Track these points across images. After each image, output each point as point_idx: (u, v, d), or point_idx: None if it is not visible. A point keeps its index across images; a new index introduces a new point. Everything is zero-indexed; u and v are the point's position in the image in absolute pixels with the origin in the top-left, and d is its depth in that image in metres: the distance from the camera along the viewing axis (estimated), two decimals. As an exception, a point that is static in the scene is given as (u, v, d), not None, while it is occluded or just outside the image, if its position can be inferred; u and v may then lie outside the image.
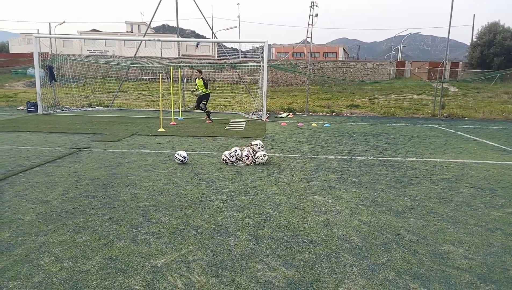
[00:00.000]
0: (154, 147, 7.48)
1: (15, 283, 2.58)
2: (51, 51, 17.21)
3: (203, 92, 11.61)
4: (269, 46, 13.12)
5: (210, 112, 12.09)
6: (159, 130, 9.56)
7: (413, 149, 8.11)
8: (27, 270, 2.74)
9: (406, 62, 35.71)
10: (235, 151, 6.34)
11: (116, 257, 2.97)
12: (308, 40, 17.49)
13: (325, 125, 11.90)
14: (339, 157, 7.01)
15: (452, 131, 11.49)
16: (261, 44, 14.07)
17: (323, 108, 17.25)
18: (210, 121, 11.82)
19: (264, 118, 12.94)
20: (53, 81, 14.79)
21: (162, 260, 2.93)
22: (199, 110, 12.23)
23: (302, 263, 2.96)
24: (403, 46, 55.46)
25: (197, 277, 2.71)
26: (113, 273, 2.73)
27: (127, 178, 5.19)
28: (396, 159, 7.01)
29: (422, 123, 13.50)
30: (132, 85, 21.88)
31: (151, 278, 2.67)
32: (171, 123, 10.94)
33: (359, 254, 3.14)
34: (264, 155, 6.23)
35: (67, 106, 15.29)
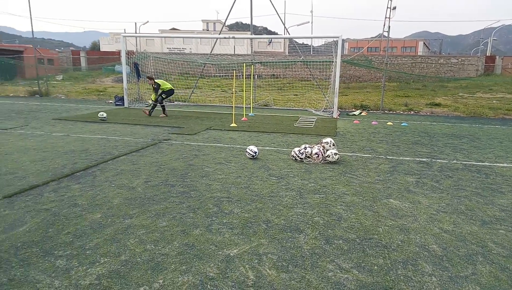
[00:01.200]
0: (227, 141, 7.74)
1: (106, 259, 2.87)
2: (136, 49, 18.70)
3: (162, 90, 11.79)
4: (343, 41, 12.76)
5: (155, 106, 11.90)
6: (232, 125, 9.88)
7: (504, 153, 7.30)
8: (116, 248, 3.04)
9: (497, 57, 32.17)
10: (305, 148, 6.30)
11: (192, 243, 3.15)
12: (385, 34, 16.63)
13: (402, 124, 11.24)
14: (418, 159, 6.58)
15: (554, 135, 10.09)
16: (335, 39, 13.74)
17: (400, 106, 16.30)
18: (164, 115, 11.72)
19: (335, 115, 12.64)
20: (139, 77, 16.06)
21: (235, 251, 3.04)
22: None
23: (375, 267, 2.85)
24: (494, 40, 49.92)
25: (268, 270, 2.76)
26: (189, 259, 2.90)
27: (203, 170, 5.46)
28: (483, 164, 6.38)
29: (515, 125, 12.06)
30: (207, 82, 22.87)
31: (224, 267, 2.79)
32: (242, 119, 11.23)
33: (439, 264, 2.93)
34: (335, 154, 6.10)
35: (149, 101, 16.50)
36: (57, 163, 5.59)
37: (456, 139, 8.88)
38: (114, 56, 36.60)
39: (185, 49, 53.05)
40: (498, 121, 13.20)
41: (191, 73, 20.76)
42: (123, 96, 14.90)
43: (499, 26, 50.81)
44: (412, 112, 15.33)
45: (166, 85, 11.79)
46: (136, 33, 20.07)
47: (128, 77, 15.14)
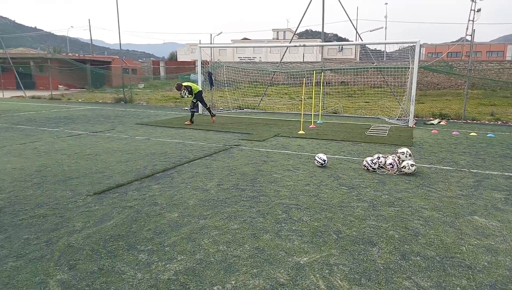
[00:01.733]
0: (295, 149, 7.75)
1: (182, 257, 3.04)
2: (211, 58, 19.65)
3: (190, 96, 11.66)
4: (420, 46, 12.03)
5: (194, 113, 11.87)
6: (299, 132, 9.86)
7: None
8: (191, 247, 3.20)
9: None
10: (378, 158, 6.04)
11: (262, 248, 3.20)
12: (468, 38, 15.35)
13: (488, 135, 10.23)
14: (507, 174, 5.94)
15: None
16: (411, 44, 13.02)
17: (485, 116, 14.86)
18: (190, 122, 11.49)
19: (411, 124, 11.94)
20: (212, 86, 16.84)
21: (305, 259, 3.02)
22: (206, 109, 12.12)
23: (458, 288, 2.62)
24: None
25: (339, 281, 2.70)
26: (260, 263, 2.95)
27: (271, 176, 5.53)
28: None
29: None
30: (275, 89, 23.19)
31: (295, 274, 2.78)
32: (310, 126, 11.14)
33: (536, 293, 2.60)
34: (412, 165, 5.75)
35: (221, 108, 17.19)
36: (140, 164, 6.08)
37: (556, 153, 7.82)
38: (189, 66, 38.90)
39: (255, 58, 54.36)
40: None
41: (260, 81, 21.22)
42: (197, 103, 15.69)
43: None
44: (499, 122, 13.87)
45: (196, 87, 11.67)
46: (210, 43, 21.10)
47: (203, 85, 15.93)
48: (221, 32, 33.85)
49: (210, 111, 11.98)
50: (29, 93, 26.42)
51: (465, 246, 3.30)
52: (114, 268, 2.83)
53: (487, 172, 6.04)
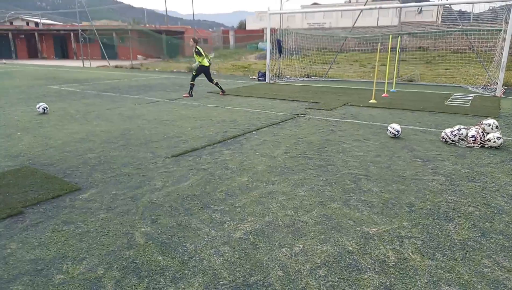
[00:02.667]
0: (365, 118, 7.46)
1: (252, 218, 3.19)
2: (280, 25, 19.31)
3: (199, 62, 10.68)
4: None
5: (218, 84, 11.05)
6: (371, 101, 9.42)
7: None
8: (260, 210, 3.34)
9: None
10: (459, 129, 5.58)
11: (330, 215, 3.23)
12: None
13: None
14: None
15: None
16: (507, 3, 11.44)
17: None
18: (222, 92, 10.97)
19: (498, 93, 10.73)
20: (281, 54, 16.65)
21: (374, 229, 2.99)
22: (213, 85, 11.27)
23: (547, 273, 2.41)
24: None
25: (410, 254, 2.64)
26: (328, 229, 2.99)
27: (339, 146, 5.43)
28: None
29: None
30: (345, 56, 22.18)
31: (364, 243, 2.78)
32: (383, 95, 10.58)
33: None
34: (499, 138, 5.23)
35: (288, 76, 17.01)
36: (211, 131, 6.36)
37: None
38: (258, 34, 38.72)
39: (325, 23, 52.12)
40: None
41: (329, 48, 20.43)
42: (265, 72, 15.72)
43: None
44: None
45: (205, 61, 10.91)
46: (280, 10, 20.66)
47: (271, 54, 15.83)
48: (290, -2, 32.82)
49: (219, 86, 11.26)
50: (112, 62, 28.62)
51: (559, 229, 2.99)
52: (191, 225, 3.08)
53: None
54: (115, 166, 4.53)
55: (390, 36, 11.22)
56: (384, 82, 11.44)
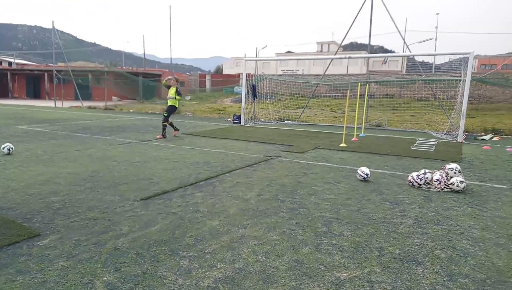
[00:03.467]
0: (336, 161, 7.63)
1: (222, 265, 3.10)
2: (255, 71, 19.99)
3: (172, 104, 10.97)
4: (473, 58, 11.44)
5: (167, 126, 10.95)
6: (341, 145, 9.70)
7: None
8: (231, 256, 3.26)
9: None
10: (425, 173, 5.80)
11: (302, 260, 3.19)
12: (529, 48, 14.36)
13: (549, 152, 9.45)
14: None
15: None
16: (463, 56, 12.45)
17: (546, 132, 13.75)
18: (162, 136, 10.70)
19: (460, 139, 11.33)
20: (255, 98, 17.11)
21: (345, 274, 2.96)
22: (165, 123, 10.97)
23: (512, 317, 2.45)
24: None
25: (380, 299, 2.62)
26: (299, 275, 2.93)
27: (311, 188, 5.49)
28: None
29: None
30: (317, 101, 22.99)
31: (335, 289, 2.74)
32: (353, 139, 10.93)
33: None
34: (461, 182, 5.45)
35: (262, 119, 17.36)
36: (184, 173, 6.29)
37: None
38: (234, 79, 39.80)
39: (298, 70, 54.42)
40: None
41: (301, 93, 21.20)
42: (240, 115, 16.00)
43: None
44: None
45: (177, 103, 11.10)
46: (255, 57, 21.48)
47: (246, 98, 16.22)
48: (266, 46, 34.41)
49: (173, 126, 11.13)
50: (86, 103, 28.33)
51: (520, 271, 3.07)
52: (157, 273, 2.95)
53: (548, 192, 5.58)
54: (80, 210, 4.35)
55: (359, 84, 11.83)
56: (354, 127, 11.86)
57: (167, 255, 3.24)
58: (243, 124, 15.47)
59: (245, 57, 16.14)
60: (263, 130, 13.50)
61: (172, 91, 11.00)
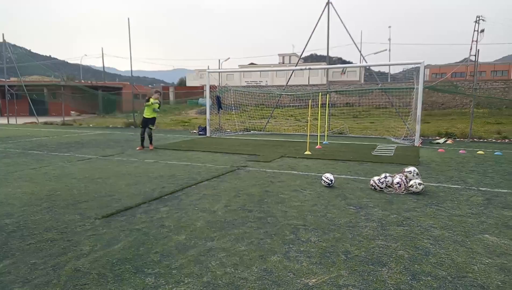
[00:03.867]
0: (301, 169, 7.74)
1: (190, 279, 3.02)
2: (219, 83, 20.00)
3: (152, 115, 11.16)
4: (424, 67, 12.20)
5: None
6: (306, 153, 9.87)
7: None
8: (198, 270, 3.19)
9: None
10: (385, 177, 6.01)
11: (270, 269, 3.18)
12: (472, 58, 15.46)
13: (496, 153, 10.13)
14: (518, 191, 5.85)
15: None
16: (415, 65, 13.17)
17: (492, 134, 14.76)
18: (142, 147, 10.96)
19: (417, 143, 11.90)
20: (220, 109, 17.09)
21: (313, 280, 2.99)
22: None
23: (471, 310, 2.56)
24: None
25: (348, 303, 2.65)
26: (268, 285, 2.92)
27: (278, 196, 5.52)
28: None
29: None
30: (281, 111, 23.34)
31: (303, 296, 2.75)
32: (317, 147, 11.16)
33: (552, 313, 2.53)
34: (420, 184, 5.71)
35: (228, 130, 17.35)
36: (148, 187, 6.12)
37: None
38: (198, 90, 39.57)
39: (262, 82, 55.12)
40: None
41: (266, 104, 21.47)
42: (205, 127, 15.89)
43: None
44: (506, 140, 13.75)
45: (155, 114, 11.23)
46: (219, 68, 21.52)
47: (211, 109, 16.15)
48: (229, 58, 34.52)
49: (150, 139, 11.13)
50: (42, 119, 26.93)
51: (477, 265, 3.24)
52: (122, 291, 2.82)
53: (496, 190, 5.96)
54: (36, 231, 4.10)
55: (320, 93, 12.15)
56: (317, 135, 12.13)
57: (131, 273, 3.12)
58: (208, 135, 15.35)
59: (208, 68, 16.11)
60: (229, 140, 13.47)
61: (156, 103, 11.02)
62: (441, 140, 13.22)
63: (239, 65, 63.46)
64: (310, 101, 11.24)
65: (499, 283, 2.93)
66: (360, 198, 5.48)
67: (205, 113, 16.14)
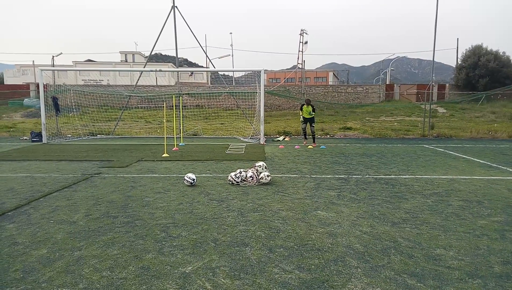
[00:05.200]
0: (162, 171, 7.88)
1: (64, 289, 2.93)
2: (53, 82, 17.75)
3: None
4: (263, 73, 13.94)
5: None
6: (164, 155, 9.98)
7: (405, 167, 8.61)
8: (71, 279, 3.10)
9: (395, 85, 36.93)
10: (240, 172, 6.77)
11: (147, 266, 3.35)
12: (299, 66, 18.31)
13: (321, 147, 12.42)
14: (337, 176, 7.48)
15: (441, 150, 12.08)
16: (257, 71, 14.79)
17: (317, 131, 17.85)
18: None
19: (262, 141, 13.44)
20: (58, 112, 15.22)
21: (189, 268, 3.31)
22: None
23: (313, 266, 3.36)
24: (391, 70, 57.23)
25: (222, 280, 3.09)
26: (148, 279, 3.10)
27: (143, 200, 5.58)
28: (390, 177, 7.49)
29: (413, 143, 14.09)
30: (129, 113, 22.39)
31: (183, 282, 3.05)
32: (174, 149, 11.37)
33: (362, 259, 3.55)
34: (268, 176, 6.67)
35: (69, 135, 15.68)
36: (-19, 205, 5.23)
37: (367, 157, 10.17)
38: (23, 90, 33.78)
39: (102, 80, 50.97)
40: (399, 141, 15.26)
41: (110, 105, 20.24)
42: (40, 132, 13.98)
43: (395, 58, 58.61)
44: (328, 135, 16.91)
45: None
46: (52, 66, 19.05)
47: (47, 112, 14.30)
48: (61, 53, 30.56)
49: None
50: None
51: (314, 235, 4.16)
52: (-21, 319, 2.54)
53: (323, 176, 7.47)
54: None
55: (174, 96, 12.38)
56: (173, 137, 12.33)
57: (-11, 297, 2.81)
58: (45, 142, 13.60)
59: (34, 64, 14.22)
60: (73, 146, 12.28)
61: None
62: (281, 138, 15.26)
63: (73, 62, 57.05)
64: (165, 103, 11.35)
65: (330, 245, 3.87)
66: (220, 192, 6.04)
67: (35, 116, 14.22)
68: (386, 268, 3.34)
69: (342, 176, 7.50)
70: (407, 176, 7.54)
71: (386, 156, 10.37)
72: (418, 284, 3.06)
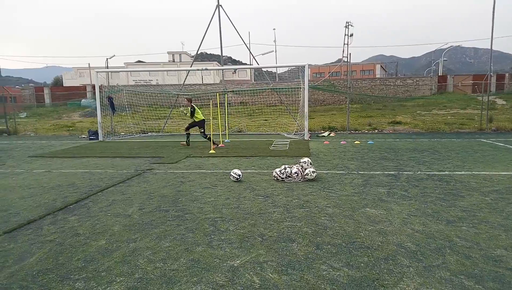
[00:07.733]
0: (209, 167, 8.08)
1: (122, 278, 3.12)
2: (108, 83, 18.83)
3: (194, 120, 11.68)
4: (307, 68, 13.79)
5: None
6: (210, 151, 10.24)
7: (461, 163, 8.12)
8: (128, 269, 3.29)
9: (448, 76, 34.83)
10: (285, 168, 6.76)
11: (198, 259, 3.46)
12: (345, 59, 17.84)
13: (369, 142, 12.06)
14: (386, 172, 7.22)
15: (501, 144, 11.22)
16: (301, 66, 14.64)
17: (364, 126, 17.33)
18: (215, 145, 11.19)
19: (306, 137, 13.32)
20: (114, 111, 16.12)
21: (238, 261, 3.38)
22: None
23: (362, 264, 3.28)
24: (444, 60, 53.98)
25: (270, 274, 3.12)
26: (198, 271, 3.21)
27: (192, 195, 5.77)
28: (444, 173, 7.11)
29: (469, 138, 13.24)
30: (177, 112, 23.20)
31: (232, 275, 3.12)
32: (220, 145, 11.61)
33: (414, 258, 3.41)
34: (313, 172, 6.60)
35: (122, 133, 16.57)
36: (47, 198, 5.70)
37: (418, 153, 9.71)
38: (80, 91, 36.22)
39: (152, 80, 53.21)
40: (454, 135, 14.40)
41: (160, 103, 21.06)
42: (96, 130, 14.91)
43: (448, 47, 55.04)
44: (376, 130, 16.36)
45: (199, 115, 11.58)
46: (107, 67, 20.22)
47: (103, 111, 15.21)
48: (114, 55, 32.38)
49: (211, 140, 11.11)
50: None
51: (362, 232, 4.06)
52: (49, 302, 2.78)
53: (371, 172, 7.25)
54: None
55: (217, 93, 12.62)
56: (219, 134, 12.60)
57: (57, 282, 3.06)
58: (101, 140, 14.48)
59: (89, 67, 15.14)
60: (126, 144, 12.97)
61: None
62: (326, 133, 15.02)
63: (125, 63, 60.06)
64: (211, 101, 11.62)
65: (380, 243, 3.76)
66: (266, 188, 6.09)
67: (91, 116, 15.17)
68: (441, 268, 3.18)
69: (391, 172, 7.23)
70: (463, 173, 7.10)
71: (440, 152, 9.84)
72: (477, 286, 2.88)
